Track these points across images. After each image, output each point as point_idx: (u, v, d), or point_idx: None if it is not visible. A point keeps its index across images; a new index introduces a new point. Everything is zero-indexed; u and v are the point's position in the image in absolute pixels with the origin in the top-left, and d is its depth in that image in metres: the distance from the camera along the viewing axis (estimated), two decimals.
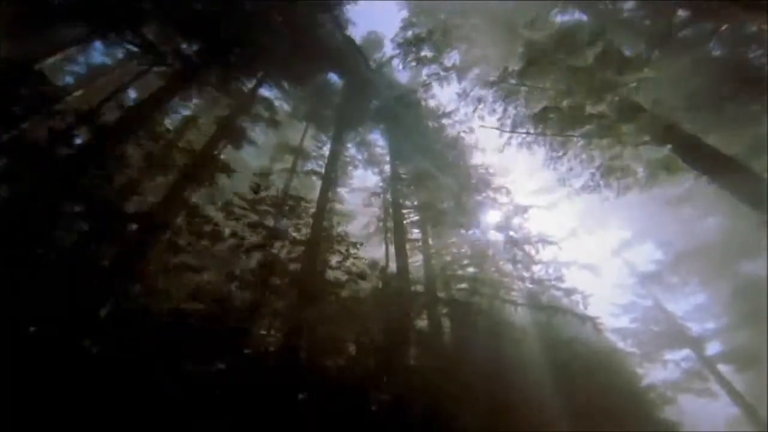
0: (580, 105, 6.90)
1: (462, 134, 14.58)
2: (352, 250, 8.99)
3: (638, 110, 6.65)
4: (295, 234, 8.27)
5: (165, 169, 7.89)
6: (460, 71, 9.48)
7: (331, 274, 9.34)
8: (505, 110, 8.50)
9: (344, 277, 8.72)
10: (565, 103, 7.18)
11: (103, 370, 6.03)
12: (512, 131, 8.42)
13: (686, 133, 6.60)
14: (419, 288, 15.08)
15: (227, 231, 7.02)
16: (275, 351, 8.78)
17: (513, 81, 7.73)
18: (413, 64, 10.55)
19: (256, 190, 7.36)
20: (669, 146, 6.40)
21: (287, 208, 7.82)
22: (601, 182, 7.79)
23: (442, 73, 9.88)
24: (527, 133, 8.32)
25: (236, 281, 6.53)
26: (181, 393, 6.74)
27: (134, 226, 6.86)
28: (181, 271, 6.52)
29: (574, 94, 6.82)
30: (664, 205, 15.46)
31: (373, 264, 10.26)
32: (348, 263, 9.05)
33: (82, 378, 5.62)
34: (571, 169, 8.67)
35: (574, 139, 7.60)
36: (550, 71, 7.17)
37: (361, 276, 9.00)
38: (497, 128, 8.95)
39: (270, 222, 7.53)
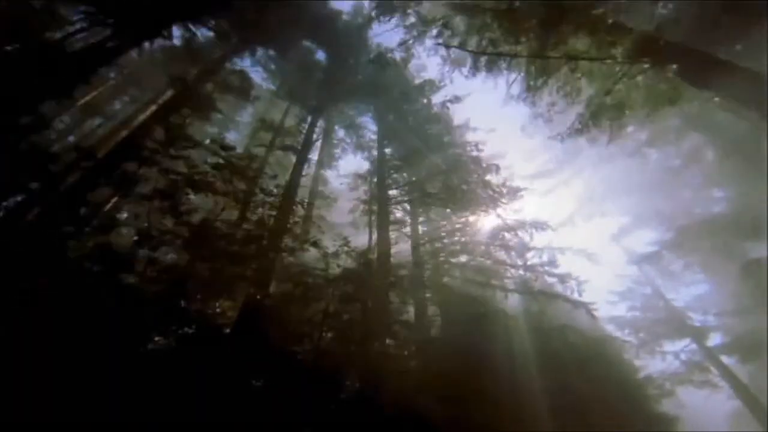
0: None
1: (448, 104, 13.58)
2: (301, 211, 8.04)
3: (630, 31, 5.59)
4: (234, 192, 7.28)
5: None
6: (442, 26, 8.40)
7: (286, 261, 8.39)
8: (480, 41, 7.36)
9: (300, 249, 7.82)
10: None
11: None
12: (481, 52, 7.28)
13: (691, 48, 5.56)
14: (403, 272, 14.29)
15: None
16: (228, 331, 7.90)
17: None
18: (389, 17, 9.50)
19: (169, 128, 6.38)
20: (674, 66, 5.35)
21: (221, 161, 6.88)
22: (591, 123, 6.66)
23: (421, 29, 8.85)
24: (498, 54, 7.15)
25: (149, 239, 5.61)
26: (109, 374, 5.90)
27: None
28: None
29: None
30: (665, 177, 14.43)
31: (344, 241, 9.33)
32: (298, 230, 8.13)
33: None
34: (553, 104, 7.53)
35: (556, 69, 6.46)
36: None
37: (315, 244, 8.10)
38: (462, 48, 7.82)
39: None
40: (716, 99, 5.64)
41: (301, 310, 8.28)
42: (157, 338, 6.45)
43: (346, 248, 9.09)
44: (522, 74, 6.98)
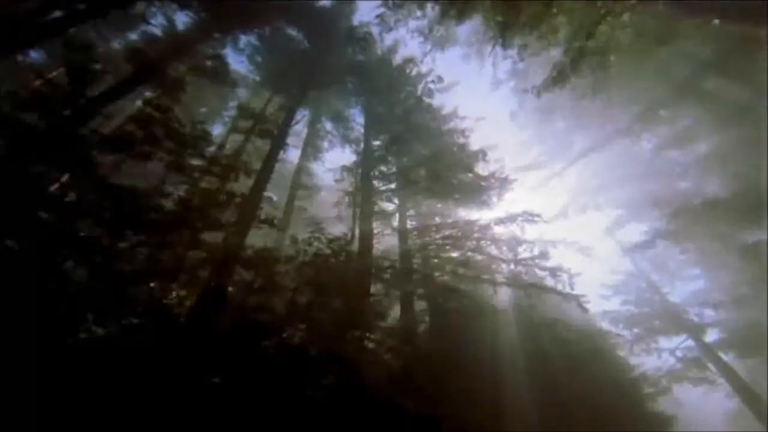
0: None
1: (431, 85, 13.05)
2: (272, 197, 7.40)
3: None
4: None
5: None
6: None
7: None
8: None
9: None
10: None
11: None
12: None
13: None
14: (386, 263, 13.73)
15: None
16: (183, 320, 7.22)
17: None
18: None
19: (74, 74, 5.64)
20: None
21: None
22: (570, 71, 5.90)
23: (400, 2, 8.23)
24: None
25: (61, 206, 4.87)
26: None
27: None
28: None
29: None
30: (659, 164, 13.83)
31: (317, 226, 8.69)
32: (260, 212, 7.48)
33: None
34: (525, 46, 6.71)
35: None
36: None
37: (271, 223, 7.45)
38: None
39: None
40: (716, 22, 5.01)
41: (268, 299, 7.62)
42: (93, 328, 5.74)
43: (318, 235, 8.44)
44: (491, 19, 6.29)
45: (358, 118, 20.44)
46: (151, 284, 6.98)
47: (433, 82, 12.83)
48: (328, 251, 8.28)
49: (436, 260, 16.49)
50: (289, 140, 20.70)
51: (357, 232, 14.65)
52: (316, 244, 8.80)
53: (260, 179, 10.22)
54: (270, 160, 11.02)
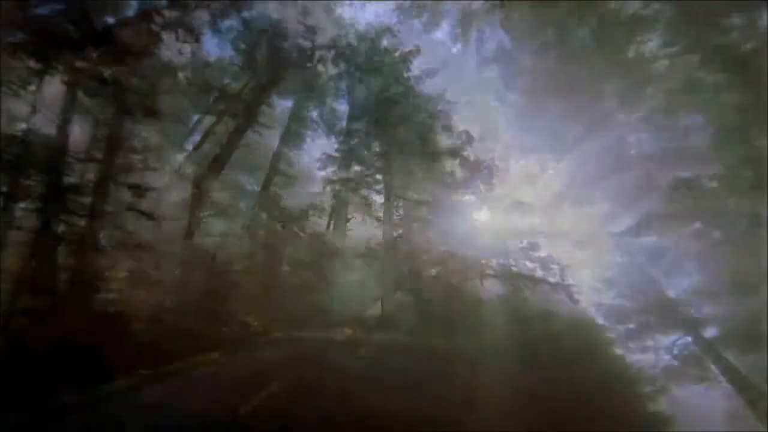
0: None
1: (410, 58, 12.30)
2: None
3: None
4: None
5: None
6: None
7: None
8: None
9: None
10: None
11: None
12: None
13: None
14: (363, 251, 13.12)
15: None
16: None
17: None
18: None
19: None
20: None
21: None
22: None
23: None
24: None
25: None
26: None
27: None
28: None
29: None
30: (657, 151, 12.95)
31: (273, 206, 7.83)
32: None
33: None
34: None
35: None
36: None
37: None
38: None
39: None
40: None
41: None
42: None
43: (275, 212, 7.59)
44: None
45: (343, 106, 19.89)
46: None
47: (411, 53, 12.01)
48: (279, 228, 7.42)
49: (424, 256, 16.02)
50: (274, 129, 19.94)
51: (333, 221, 13.97)
52: (279, 226, 7.97)
53: (218, 159, 9.38)
54: (233, 139, 10.17)
